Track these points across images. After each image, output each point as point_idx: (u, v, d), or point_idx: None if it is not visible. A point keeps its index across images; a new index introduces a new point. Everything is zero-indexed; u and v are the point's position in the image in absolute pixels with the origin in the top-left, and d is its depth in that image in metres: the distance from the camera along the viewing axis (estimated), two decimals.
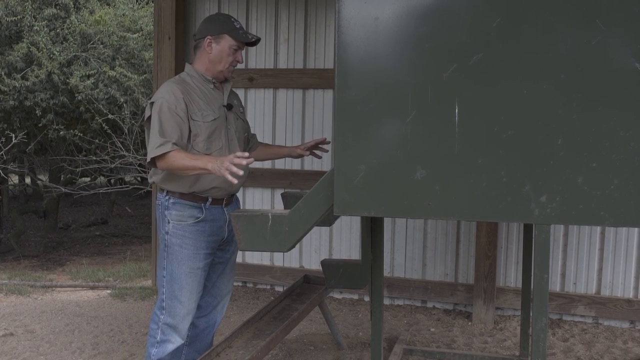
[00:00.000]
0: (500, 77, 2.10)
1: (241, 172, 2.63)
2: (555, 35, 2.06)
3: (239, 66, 5.25)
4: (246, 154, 2.65)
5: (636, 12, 2.01)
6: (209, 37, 2.99)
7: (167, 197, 3.00)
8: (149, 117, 2.92)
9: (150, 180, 3.08)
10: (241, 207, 5.31)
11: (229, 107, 3.08)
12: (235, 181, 2.62)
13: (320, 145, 3.38)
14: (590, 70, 2.05)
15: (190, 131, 2.91)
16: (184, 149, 2.86)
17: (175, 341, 3.05)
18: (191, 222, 2.98)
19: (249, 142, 3.37)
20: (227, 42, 2.97)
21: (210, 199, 3.02)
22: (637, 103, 2.03)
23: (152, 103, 2.91)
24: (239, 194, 5.34)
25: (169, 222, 2.98)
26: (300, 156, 3.42)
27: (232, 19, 3.03)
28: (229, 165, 2.61)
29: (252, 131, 3.55)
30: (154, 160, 2.85)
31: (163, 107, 2.85)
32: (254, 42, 3.07)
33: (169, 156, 2.79)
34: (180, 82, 2.97)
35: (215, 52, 2.99)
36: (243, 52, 3.09)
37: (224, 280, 3.27)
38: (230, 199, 3.15)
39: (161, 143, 2.79)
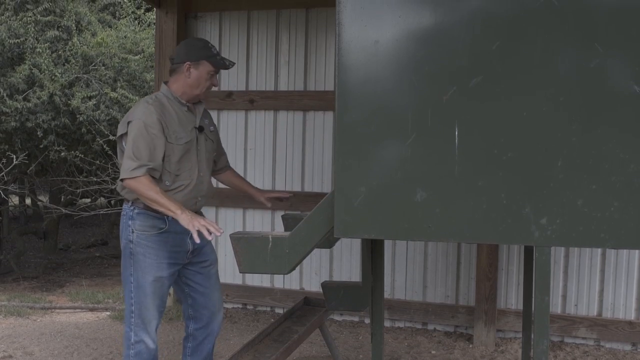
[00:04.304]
0: (500, 100, 2.11)
1: (210, 238, 2.80)
2: (554, 58, 2.07)
3: (240, 88, 5.34)
4: (222, 229, 2.82)
5: (634, 35, 2.02)
6: (188, 62, 3.06)
7: (132, 208, 3.08)
8: (123, 135, 3.02)
9: (120, 192, 3.14)
10: (242, 229, 5.32)
11: (200, 129, 3.17)
12: (198, 240, 2.78)
13: (279, 197, 3.58)
14: (589, 93, 2.06)
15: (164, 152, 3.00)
16: (159, 169, 2.96)
17: (148, 343, 3.11)
18: (154, 232, 3.06)
19: (215, 163, 3.43)
20: (205, 67, 3.06)
21: None
22: (636, 125, 2.04)
23: (129, 122, 2.98)
24: (241, 217, 5.36)
25: (133, 232, 3.06)
26: (261, 202, 3.54)
27: (210, 45, 3.12)
28: (203, 224, 2.78)
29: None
30: (123, 180, 2.96)
31: (140, 127, 2.93)
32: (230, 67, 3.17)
33: (141, 181, 2.89)
34: (156, 103, 3.03)
35: (193, 77, 3.07)
36: (220, 75, 3.24)
37: (214, 292, 3.34)
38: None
39: (136, 166, 2.89)
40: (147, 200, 2.91)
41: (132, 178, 2.89)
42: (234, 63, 3.15)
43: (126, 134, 2.98)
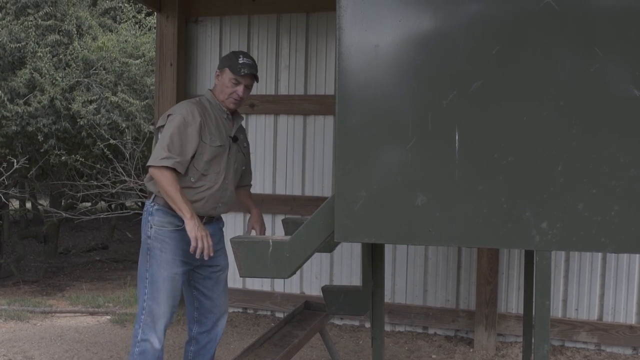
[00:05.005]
0: (500, 104, 2.12)
1: (197, 257, 3.00)
2: (554, 62, 2.07)
3: None
4: (212, 254, 3.02)
5: (634, 39, 2.03)
6: (217, 69, 3.28)
7: (152, 204, 3.19)
8: (160, 127, 3.14)
9: (146, 184, 3.25)
10: (242, 233, 5.31)
11: (235, 139, 3.29)
12: (192, 251, 2.97)
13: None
14: (589, 97, 2.06)
15: (196, 150, 3.10)
16: (185, 165, 3.05)
17: (154, 342, 3.15)
18: (171, 228, 3.14)
19: (242, 176, 3.48)
20: (227, 75, 3.21)
21: None
22: (636, 129, 2.04)
23: (169, 115, 3.12)
24: (241, 221, 5.36)
25: (151, 227, 3.16)
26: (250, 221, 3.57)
27: (241, 55, 3.23)
28: (204, 238, 2.95)
29: (253, 162, 3.62)
30: (150, 167, 3.06)
31: (179, 122, 3.06)
32: (253, 77, 3.25)
33: (165, 174, 2.99)
34: (199, 104, 3.19)
35: (219, 83, 3.26)
36: (247, 87, 3.26)
37: (221, 297, 3.41)
38: (210, 218, 3.28)
39: (165, 157, 2.99)
40: (165, 194, 3.00)
41: (158, 168, 2.99)
42: (249, 73, 3.20)
43: (164, 126, 3.11)
